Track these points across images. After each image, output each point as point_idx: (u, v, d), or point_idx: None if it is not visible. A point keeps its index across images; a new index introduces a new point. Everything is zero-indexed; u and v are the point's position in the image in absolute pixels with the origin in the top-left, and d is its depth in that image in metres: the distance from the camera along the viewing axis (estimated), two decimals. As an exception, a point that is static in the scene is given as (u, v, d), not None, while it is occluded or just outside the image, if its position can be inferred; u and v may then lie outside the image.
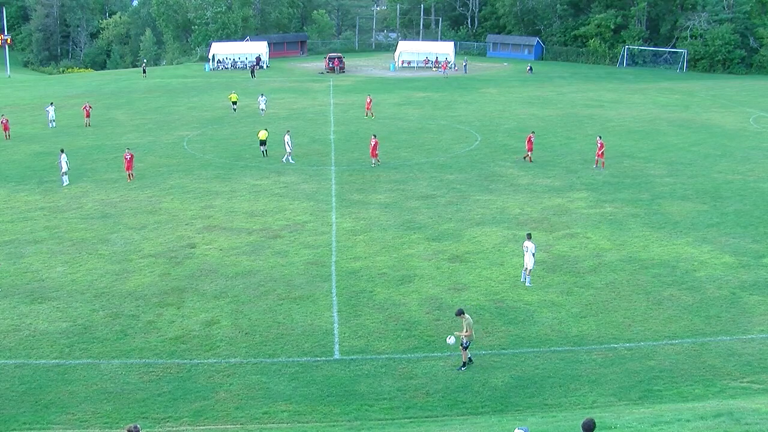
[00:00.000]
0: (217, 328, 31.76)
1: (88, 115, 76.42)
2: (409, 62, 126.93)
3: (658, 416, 23.00)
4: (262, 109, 79.46)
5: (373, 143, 58.04)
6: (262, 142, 61.14)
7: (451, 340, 28.14)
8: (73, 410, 25.69)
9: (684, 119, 79.61)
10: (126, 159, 54.62)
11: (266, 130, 62.55)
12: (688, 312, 33.08)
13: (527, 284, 36.06)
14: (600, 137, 59.89)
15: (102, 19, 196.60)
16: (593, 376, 28.02)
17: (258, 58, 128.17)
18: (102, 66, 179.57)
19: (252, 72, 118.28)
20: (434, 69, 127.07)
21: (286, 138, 58.93)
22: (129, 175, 54.46)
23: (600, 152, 58.02)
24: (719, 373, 28.04)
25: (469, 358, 28.69)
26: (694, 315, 32.80)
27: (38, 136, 70.89)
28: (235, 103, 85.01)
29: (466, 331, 28.07)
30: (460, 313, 28.43)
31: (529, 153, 60.10)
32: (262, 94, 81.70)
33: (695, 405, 24.59)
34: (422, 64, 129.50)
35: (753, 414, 22.17)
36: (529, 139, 60.11)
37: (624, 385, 27.26)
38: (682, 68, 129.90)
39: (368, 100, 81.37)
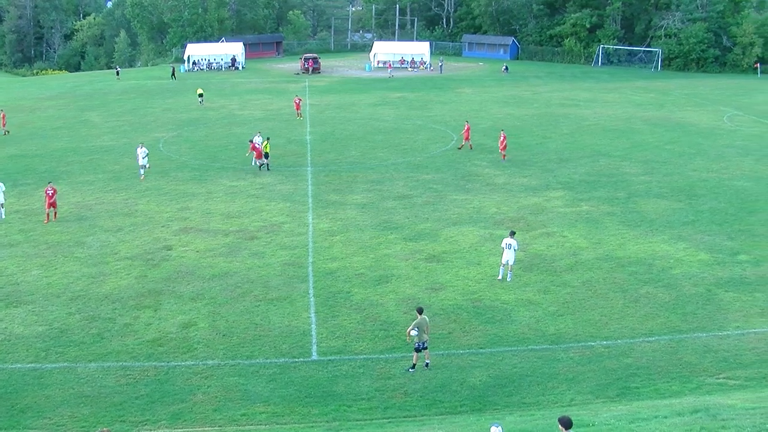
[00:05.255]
0: (194, 330, 31.62)
1: (3, 124, 72.72)
2: (385, 62, 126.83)
3: (636, 413, 23.10)
4: (142, 166, 55.80)
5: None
6: (265, 155, 57.22)
7: (413, 331, 27.92)
8: (49, 414, 25.48)
9: (659, 118, 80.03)
10: (47, 195, 45.47)
11: (268, 139, 59.11)
12: (664, 309, 33.23)
13: (508, 279, 36.17)
14: (503, 131, 61.82)
15: (76, 21, 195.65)
16: (571, 374, 28.08)
17: (233, 59, 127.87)
18: (76, 68, 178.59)
19: (173, 74, 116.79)
20: (410, 69, 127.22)
21: (257, 139, 58.54)
22: (48, 214, 45.55)
23: (502, 145, 59.81)
24: (695, 370, 28.17)
25: (427, 363, 28.58)
26: (670, 312, 32.95)
27: (11, 139, 70.29)
28: (201, 95, 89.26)
29: (413, 330, 27.89)
30: (419, 311, 28.38)
31: (466, 142, 63.68)
32: (141, 145, 57.58)
33: (672, 401, 24.70)
34: (398, 64, 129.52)
35: (729, 410, 22.31)
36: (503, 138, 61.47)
37: (601, 383, 27.34)
38: (656, 67, 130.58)
39: (297, 101, 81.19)
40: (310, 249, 40.71)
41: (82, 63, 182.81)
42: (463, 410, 25.69)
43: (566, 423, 17.16)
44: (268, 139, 58.75)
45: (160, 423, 25.04)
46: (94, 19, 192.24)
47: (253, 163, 58.17)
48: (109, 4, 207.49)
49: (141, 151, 55.52)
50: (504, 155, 60.13)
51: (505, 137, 60.34)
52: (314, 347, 30.23)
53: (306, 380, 27.78)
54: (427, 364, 28.52)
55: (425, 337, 28.13)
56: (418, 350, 28.22)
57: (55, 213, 45.81)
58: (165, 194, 50.90)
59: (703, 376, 27.65)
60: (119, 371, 28.39)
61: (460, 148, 63.96)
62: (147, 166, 55.53)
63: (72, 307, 33.70)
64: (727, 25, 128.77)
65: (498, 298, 34.46)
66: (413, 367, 28.34)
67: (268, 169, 56.78)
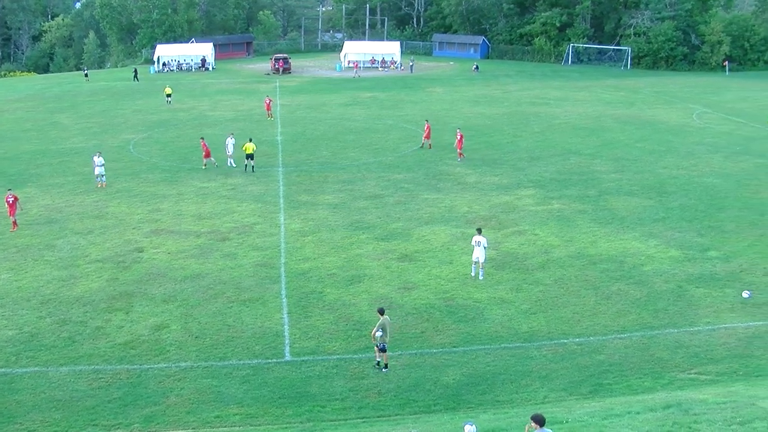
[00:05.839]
0: (166, 332, 31.45)
1: None
2: (356, 62, 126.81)
3: (609, 409, 23.21)
4: (99, 175, 53.38)
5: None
6: (249, 156, 56.53)
7: (378, 333, 27.85)
8: (20, 420, 25.24)
9: (629, 116, 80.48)
10: (8, 203, 44.18)
11: (250, 140, 58.49)
12: (636, 306, 33.40)
13: (480, 277, 36.23)
14: (459, 129, 62.21)
15: (44, 22, 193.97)
16: (544, 371, 28.17)
17: (203, 60, 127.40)
18: (45, 69, 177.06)
19: (135, 75, 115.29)
20: (381, 69, 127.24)
21: (229, 141, 58.32)
22: (15, 222, 44.26)
23: (459, 144, 59.94)
24: (667, 366, 28.34)
25: (378, 362, 28.58)
26: (642, 309, 33.13)
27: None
28: (169, 96, 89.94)
29: (378, 331, 27.92)
30: (380, 312, 28.41)
31: (426, 141, 64.54)
32: (98, 153, 54.62)
33: (645, 397, 24.84)
34: (369, 64, 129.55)
35: (700, 404, 22.46)
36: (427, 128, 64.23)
37: (574, 380, 27.45)
38: (626, 65, 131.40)
39: (267, 102, 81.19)
40: (282, 250, 40.60)
41: (50, 65, 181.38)
42: (437, 409, 25.71)
43: (539, 420, 17.21)
44: (250, 139, 58.42)
45: (133, 426, 24.88)
46: (63, 20, 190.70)
47: (215, 165, 58.03)
48: (78, 5, 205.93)
49: (98, 160, 53.07)
50: (461, 154, 60.21)
51: (462, 136, 60.30)
52: (287, 348, 30.15)
53: (279, 381, 27.71)
54: (378, 363, 28.56)
55: (387, 338, 28.18)
56: (384, 350, 28.22)
57: (15, 222, 44.29)
58: (136, 196, 50.59)
59: (675, 372, 27.83)
60: (91, 375, 28.18)
61: (421, 147, 64.27)
62: (97, 180, 53.08)
63: (43, 310, 33.42)
64: (696, 24, 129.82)
65: (470, 297, 34.50)
66: (386, 366, 28.33)
67: (252, 170, 56.48)
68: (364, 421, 24.94)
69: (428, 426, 23.42)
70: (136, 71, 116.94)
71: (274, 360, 29.27)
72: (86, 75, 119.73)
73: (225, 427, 24.92)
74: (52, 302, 34.25)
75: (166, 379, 27.87)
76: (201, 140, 59.19)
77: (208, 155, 57.58)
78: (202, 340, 30.78)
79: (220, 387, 27.32)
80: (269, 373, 28.34)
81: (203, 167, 57.40)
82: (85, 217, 46.24)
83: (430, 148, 63.87)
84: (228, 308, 33.55)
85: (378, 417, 25.26)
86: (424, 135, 64.70)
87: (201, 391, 27.06)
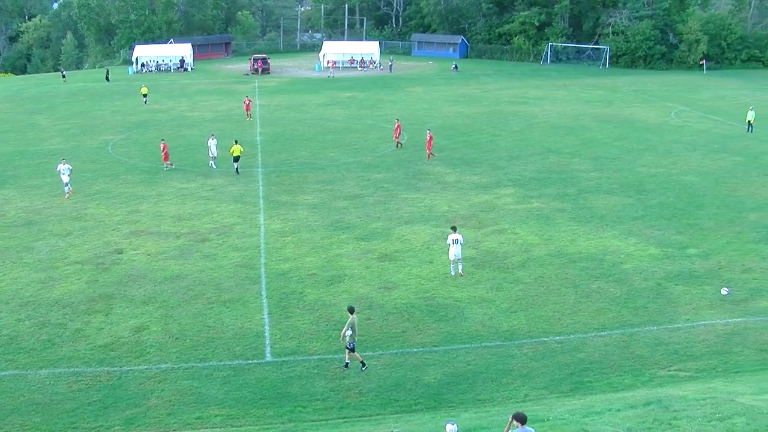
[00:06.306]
0: (146, 333, 31.30)
1: None
2: (334, 62, 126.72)
3: (589, 407, 23.27)
4: (66, 183, 50.83)
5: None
6: (236, 159, 56.15)
7: (348, 332, 27.79)
8: (-1, 423, 25.14)
9: (607, 114, 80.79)
10: None
11: (236, 142, 57.61)
12: (615, 304, 33.52)
13: (460, 272, 36.33)
14: (429, 129, 62.03)
15: (21, 23, 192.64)
16: (524, 370, 28.22)
17: (181, 60, 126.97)
18: (23, 70, 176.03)
19: (107, 76, 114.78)
20: (360, 69, 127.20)
21: (211, 142, 58.12)
22: None
23: (429, 144, 59.82)
24: (647, 363, 28.46)
25: (346, 364, 28.57)
26: (621, 306, 33.25)
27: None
28: (145, 96, 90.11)
29: (348, 330, 27.92)
30: (350, 311, 28.43)
31: (397, 139, 64.64)
32: (64, 160, 52.29)
33: (625, 394, 24.91)
34: (348, 64, 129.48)
35: (680, 401, 22.55)
36: (397, 128, 64.77)
37: (555, 378, 27.51)
38: (604, 64, 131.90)
39: (246, 102, 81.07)
40: (262, 250, 40.51)
41: (28, 66, 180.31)
42: (418, 408, 25.71)
43: (521, 418, 17.23)
44: (236, 141, 57.62)
45: (113, 429, 24.75)
46: (40, 20, 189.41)
47: (171, 166, 57.87)
48: (56, 6, 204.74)
49: (64, 168, 50.61)
50: (429, 154, 60.07)
51: (431, 137, 60.12)
52: (268, 349, 30.09)
53: (260, 382, 27.64)
54: (347, 364, 28.53)
55: (356, 337, 28.20)
56: (352, 350, 28.20)
57: None
58: (115, 197, 50.35)
59: (655, 369, 27.95)
60: (71, 377, 28.03)
61: (397, 146, 64.39)
62: (65, 189, 50.78)
63: (21, 313, 33.20)
64: (673, 23, 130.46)
65: (451, 296, 34.53)
66: (363, 364, 28.32)
67: (237, 172, 55.98)
68: (345, 421, 24.91)
69: (409, 425, 23.41)
70: (107, 72, 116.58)
71: (255, 361, 29.20)
72: (63, 76, 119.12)
73: (206, 428, 24.83)
74: (31, 305, 34.03)
75: (146, 381, 27.74)
76: (161, 142, 58.99)
77: (166, 158, 57.56)
78: (183, 341, 30.67)
79: (200, 388, 27.22)
80: (250, 373, 28.27)
81: (165, 169, 57.32)
82: (64, 219, 45.98)
83: (397, 146, 64.20)
84: (208, 309, 33.45)
85: (359, 417, 25.23)
86: (394, 134, 64.77)
87: (182, 392, 26.95)
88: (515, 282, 36.05)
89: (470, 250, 38.92)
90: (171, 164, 57.93)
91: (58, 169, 51.39)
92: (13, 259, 39.61)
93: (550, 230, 43.10)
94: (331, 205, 48.16)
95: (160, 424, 25.02)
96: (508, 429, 17.38)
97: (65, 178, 50.66)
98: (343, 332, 28.17)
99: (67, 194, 50.57)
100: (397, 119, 68.07)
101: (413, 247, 40.64)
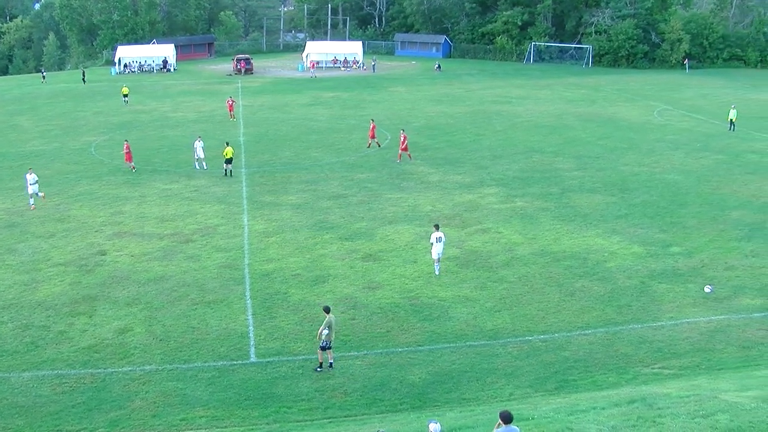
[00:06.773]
0: (130, 335, 31.17)
1: None
2: (317, 62, 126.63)
3: (574, 405, 23.28)
4: (33, 194, 48.37)
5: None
6: (228, 161, 55.26)
7: (325, 331, 27.75)
8: (-19, 425, 24.98)
9: (591, 113, 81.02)
10: None
11: (227, 144, 56.26)
12: (599, 302, 33.60)
13: (436, 273, 36.36)
14: (403, 130, 61.33)
15: (2, 23, 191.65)
16: (509, 368, 28.24)
17: (164, 61, 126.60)
18: (4, 71, 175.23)
19: (83, 77, 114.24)
20: (343, 68, 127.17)
21: (197, 144, 57.87)
22: None
23: (403, 146, 59.15)
24: (631, 361, 28.53)
25: (330, 363, 28.50)
26: (605, 305, 33.34)
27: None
28: (126, 96, 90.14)
29: (325, 330, 27.90)
30: (326, 310, 28.37)
31: (372, 140, 64.47)
32: (30, 170, 49.92)
33: (609, 393, 24.94)
34: (331, 64, 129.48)
35: (664, 398, 22.59)
36: (372, 128, 64.32)
37: (540, 377, 27.55)
38: (587, 63, 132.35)
39: (230, 103, 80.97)
40: (245, 251, 40.42)
41: (9, 66, 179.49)
42: (403, 408, 25.69)
43: (506, 417, 17.23)
44: (227, 143, 56.45)
45: (97, 431, 24.63)
46: (22, 21, 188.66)
47: (133, 169, 57.28)
48: (37, 6, 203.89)
49: (30, 177, 48.29)
50: (400, 155, 59.47)
51: (405, 138, 59.31)
52: (252, 349, 30.02)
53: (245, 383, 27.56)
54: (331, 363, 28.51)
55: (332, 336, 28.18)
56: (324, 349, 28.17)
57: None
58: (98, 198, 50.13)
59: (639, 367, 28.02)
60: (54, 380, 27.88)
61: (372, 146, 64.25)
62: (40, 194, 48.84)
63: (4, 315, 33.00)
64: (656, 22, 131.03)
65: (435, 296, 34.53)
66: (320, 366, 28.28)
67: (230, 175, 55.50)
68: (330, 422, 24.87)
69: (395, 425, 23.39)
70: (83, 73, 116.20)
71: (240, 361, 29.12)
72: (44, 77, 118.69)
73: (191, 429, 24.73)
74: (14, 307, 33.84)
75: (130, 383, 27.62)
76: (125, 142, 58.49)
77: (128, 159, 57.10)
78: (167, 342, 30.55)
79: (185, 390, 27.13)
80: (235, 374, 28.19)
81: (132, 170, 57.04)
82: (47, 221, 45.74)
83: (369, 147, 64.05)
84: (192, 310, 33.34)
85: (344, 417, 25.20)
86: (369, 134, 64.65)
87: (166, 394, 26.85)
88: (499, 281, 36.09)
89: (454, 249, 38.94)
90: (133, 167, 57.14)
91: (26, 178, 49.20)
92: (-4, 261, 39.42)
93: (533, 229, 43.17)
94: (314, 205, 48.10)
95: (144, 426, 24.91)
96: (496, 429, 17.38)
97: (30, 189, 48.30)
98: (320, 331, 28.11)
99: (32, 206, 48.05)
100: (372, 120, 67.80)
101: (397, 247, 40.63)
